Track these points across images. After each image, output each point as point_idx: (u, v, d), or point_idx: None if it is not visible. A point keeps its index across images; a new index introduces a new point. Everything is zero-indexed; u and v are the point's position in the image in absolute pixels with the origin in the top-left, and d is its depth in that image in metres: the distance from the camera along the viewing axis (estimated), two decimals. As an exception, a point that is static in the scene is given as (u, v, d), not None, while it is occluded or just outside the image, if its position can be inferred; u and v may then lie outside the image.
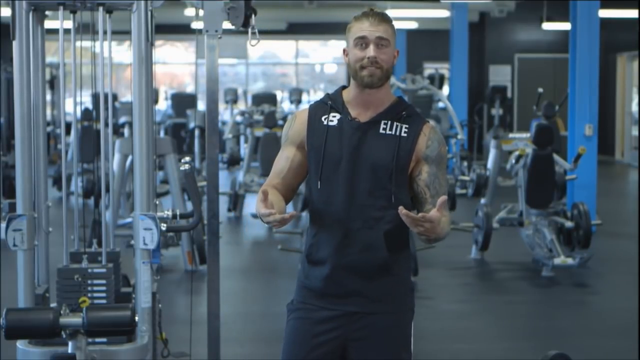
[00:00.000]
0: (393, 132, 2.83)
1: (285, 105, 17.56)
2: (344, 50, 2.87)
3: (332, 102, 2.89)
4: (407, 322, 2.94)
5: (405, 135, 2.83)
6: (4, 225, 3.80)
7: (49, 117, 14.36)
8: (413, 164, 2.84)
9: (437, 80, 16.08)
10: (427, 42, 18.69)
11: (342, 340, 2.87)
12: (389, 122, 2.84)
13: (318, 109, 2.91)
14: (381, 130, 2.83)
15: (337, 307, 2.86)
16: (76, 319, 2.95)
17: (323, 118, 2.87)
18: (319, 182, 2.84)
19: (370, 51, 2.78)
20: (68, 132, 11.21)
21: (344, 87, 2.94)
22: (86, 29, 4.08)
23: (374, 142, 2.82)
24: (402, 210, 2.60)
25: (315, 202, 2.87)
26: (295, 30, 18.81)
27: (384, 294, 2.87)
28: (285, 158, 2.92)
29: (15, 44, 3.79)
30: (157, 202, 4.04)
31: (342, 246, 2.82)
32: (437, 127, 2.90)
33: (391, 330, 2.88)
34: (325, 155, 2.83)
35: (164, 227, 3.89)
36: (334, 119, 2.86)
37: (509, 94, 17.76)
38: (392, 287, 2.88)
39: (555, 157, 8.10)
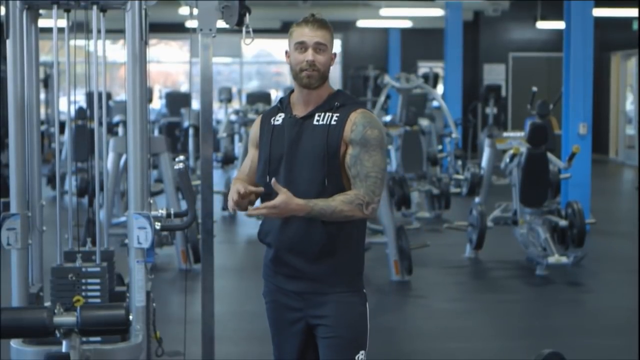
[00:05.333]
0: (324, 122, 3.06)
1: (280, 104, 17.51)
2: (286, 52, 3.12)
3: (280, 104, 3.17)
4: (357, 302, 3.09)
5: (335, 123, 3.05)
6: (-3, 224, 3.79)
7: (42, 116, 14.34)
8: (343, 148, 3.04)
9: (432, 79, 16.09)
10: (421, 41, 18.69)
11: (305, 319, 3.09)
12: (322, 114, 3.08)
13: (270, 113, 3.19)
14: (315, 122, 3.07)
15: (288, 286, 3.11)
16: (70, 318, 2.94)
17: (272, 119, 3.15)
18: (267, 177, 3.07)
19: (309, 55, 3.05)
20: (62, 131, 11.19)
21: (293, 90, 3.17)
22: (80, 28, 4.07)
23: (309, 134, 3.06)
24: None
25: (264, 193, 3.11)
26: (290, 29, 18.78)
27: (327, 275, 3.06)
28: (249, 159, 3.24)
29: (9, 42, 3.78)
30: (151, 201, 4.04)
31: (283, 230, 3.07)
32: (370, 111, 3.16)
33: (341, 309, 3.05)
34: (271, 152, 3.10)
35: (158, 226, 3.88)
36: (279, 118, 3.13)
37: (503, 93, 17.78)
38: (335, 268, 3.06)
39: (550, 155, 8.11)
